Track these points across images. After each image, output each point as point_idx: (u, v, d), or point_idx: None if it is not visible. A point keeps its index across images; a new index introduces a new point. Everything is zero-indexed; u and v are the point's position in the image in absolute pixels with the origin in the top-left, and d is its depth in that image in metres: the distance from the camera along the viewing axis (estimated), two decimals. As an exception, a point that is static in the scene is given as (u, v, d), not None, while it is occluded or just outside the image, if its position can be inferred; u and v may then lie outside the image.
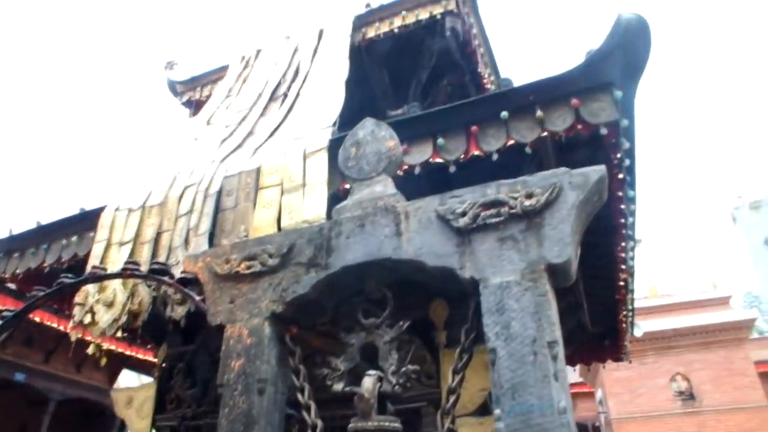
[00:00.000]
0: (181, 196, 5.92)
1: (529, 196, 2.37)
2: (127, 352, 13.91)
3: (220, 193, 5.64)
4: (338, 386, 2.47)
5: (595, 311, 8.51)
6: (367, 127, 3.15)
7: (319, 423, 2.49)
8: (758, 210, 39.52)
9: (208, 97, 8.94)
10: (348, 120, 5.40)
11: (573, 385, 19.75)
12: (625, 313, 7.73)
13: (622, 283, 6.85)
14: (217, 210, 5.50)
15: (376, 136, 3.07)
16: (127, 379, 16.41)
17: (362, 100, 7.59)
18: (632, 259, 6.88)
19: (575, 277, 2.38)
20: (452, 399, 2.31)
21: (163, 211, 5.90)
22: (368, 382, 2.37)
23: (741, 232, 43.36)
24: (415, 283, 2.72)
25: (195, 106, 9.42)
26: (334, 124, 5.72)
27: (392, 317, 2.57)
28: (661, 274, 17.64)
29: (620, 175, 5.03)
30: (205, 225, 5.41)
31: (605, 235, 6.26)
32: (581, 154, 5.25)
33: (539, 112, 4.61)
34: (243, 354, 2.67)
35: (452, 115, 4.92)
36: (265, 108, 7.25)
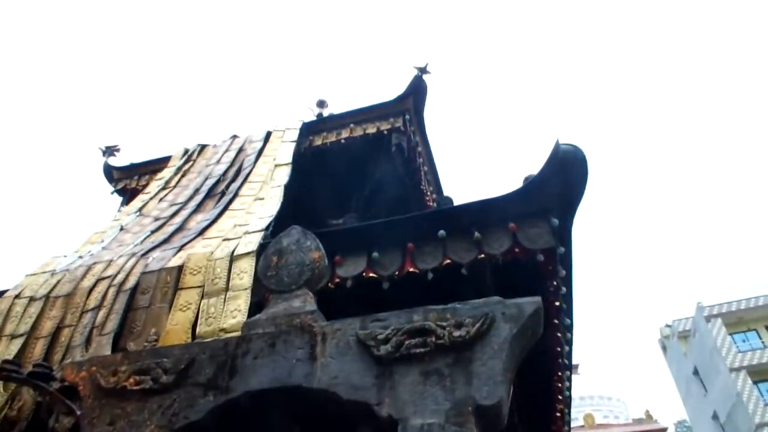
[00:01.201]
0: (91, 289, 5.42)
1: (459, 326, 2.16)
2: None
3: (135, 289, 5.19)
4: None
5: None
6: (292, 235, 2.93)
7: None
8: (686, 340, 40.64)
9: (144, 186, 8.64)
10: (286, 226, 5.21)
11: None
12: (562, 444, 7.39)
13: (558, 414, 6.58)
14: (129, 308, 5.02)
15: (300, 246, 2.85)
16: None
17: (304, 207, 7.47)
18: (569, 389, 6.69)
19: (505, 418, 2.13)
20: None
21: (69, 304, 5.35)
22: None
23: (671, 361, 44.30)
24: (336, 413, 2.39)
25: (129, 195, 9.05)
26: (267, 228, 5.48)
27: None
28: (596, 401, 17.41)
29: (557, 303, 4.95)
30: (113, 324, 4.89)
31: (541, 365, 6.07)
32: (519, 280, 5.18)
33: (477, 234, 4.56)
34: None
35: (389, 230, 4.80)
36: (201, 204, 7.00)
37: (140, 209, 7.48)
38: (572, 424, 16.71)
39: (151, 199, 7.71)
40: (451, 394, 2.03)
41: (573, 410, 17.53)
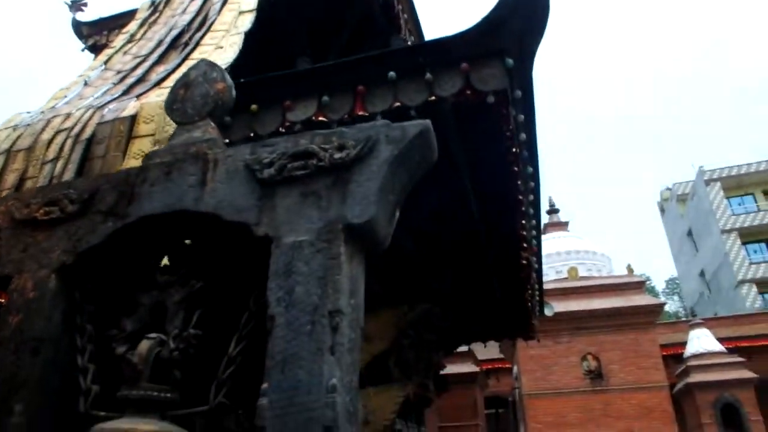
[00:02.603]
0: (50, 141, 5.43)
1: (341, 148, 2.11)
2: None
3: (91, 140, 5.19)
4: (121, 349, 2.19)
5: (506, 289, 8.52)
6: (200, 67, 2.82)
7: (95, 388, 2.20)
8: (684, 203, 41.26)
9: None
10: (249, 74, 5.03)
11: (493, 360, 20.18)
12: (530, 292, 7.73)
13: (524, 262, 6.79)
14: (85, 158, 5.05)
15: (207, 78, 2.74)
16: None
17: (276, 55, 7.18)
18: (535, 237, 6.82)
19: (386, 241, 2.16)
20: (230, 369, 2.06)
21: (30, 157, 5.39)
22: (143, 346, 2.10)
23: (667, 222, 45.30)
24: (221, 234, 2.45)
25: (100, 52, 8.76)
26: (223, 74, 5.32)
27: (197, 276, 2.29)
28: (581, 256, 18.01)
29: (514, 149, 4.88)
30: (70, 173, 4.94)
31: (505, 213, 6.16)
32: (474, 125, 5.07)
33: (428, 75, 4.38)
34: (23, 309, 2.34)
35: (339, 73, 4.63)
36: (163, 55, 6.74)
37: (105, 63, 7.25)
38: (557, 277, 17.41)
39: (115, 53, 7.43)
40: (325, 213, 2.04)
41: (558, 264, 18.20)
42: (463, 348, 12.67)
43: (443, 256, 6.66)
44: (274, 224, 2.08)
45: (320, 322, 1.84)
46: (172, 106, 2.76)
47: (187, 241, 2.45)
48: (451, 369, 11.75)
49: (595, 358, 15.11)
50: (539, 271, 8.05)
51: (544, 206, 20.58)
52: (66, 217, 2.50)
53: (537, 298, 8.41)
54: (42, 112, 6.27)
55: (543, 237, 20.75)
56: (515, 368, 16.63)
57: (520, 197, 5.51)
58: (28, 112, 6.50)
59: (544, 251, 19.22)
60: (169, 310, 2.22)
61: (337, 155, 2.09)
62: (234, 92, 2.78)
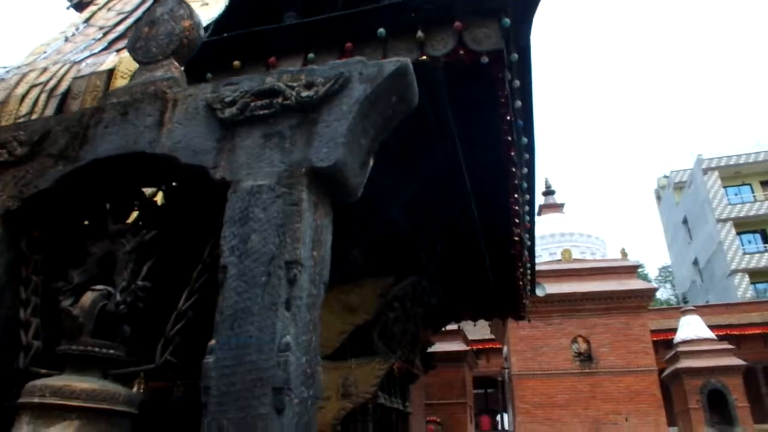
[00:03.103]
0: (24, 96, 5.20)
1: (310, 86, 1.90)
2: None
3: (66, 94, 4.96)
4: (66, 302, 2.00)
5: (498, 267, 8.37)
6: (167, 4, 2.59)
7: (36, 344, 2.02)
8: (681, 191, 41.15)
9: None
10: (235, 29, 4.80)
11: (484, 341, 20.17)
12: (522, 270, 7.56)
13: (516, 238, 6.61)
14: (60, 113, 4.84)
15: (173, 15, 2.52)
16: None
17: (267, 15, 6.89)
18: (528, 213, 6.64)
19: (358, 190, 1.96)
20: (179, 324, 1.88)
21: (3, 111, 5.18)
22: (86, 298, 1.91)
23: (663, 210, 45.21)
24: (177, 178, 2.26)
25: (83, 9, 8.46)
26: (206, 29, 5.07)
27: (151, 224, 2.09)
28: (576, 238, 17.83)
29: (508, 117, 4.67)
30: (42, 129, 4.74)
31: (497, 186, 5.97)
32: (468, 89, 4.86)
33: (420, 33, 4.15)
34: (-36, 258, 2.15)
35: (327, 29, 4.39)
36: (148, 12, 6.48)
37: (87, 20, 6.97)
38: (550, 258, 17.27)
39: (99, 9, 7.15)
40: (289, 156, 1.84)
41: (552, 246, 18.05)
42: (453, 327, 12.57)
43: (433, 228, 6.48)
44: (233, 167, 1.88)
45: (276, 274, 1.65)
46: (135, 45, 2.54)
47: (143, 188, 2.26)
48: (440, 347, 11.66)
49: (585, 340, 15.05)
50: (532, 250, 7.89)
51: (540, 187, 20.40)
52: (14, 160, 2.29)
53: (529, 277, 8.25)
54: (18, 67, 6.03)
55: (538, 218, 20.64)
56: (505, 348, 16.57)
57: (513, 169, 5.31)
58: (4, 67, 6.25)
59: (539, 232, 19.07)
60: (119, 261, 2.03)
61: (305, 93, 1.89)
62: (202, 31, 2.57)
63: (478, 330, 18.11)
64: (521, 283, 8.01)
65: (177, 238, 2.07)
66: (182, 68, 2.42)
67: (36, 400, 1.71)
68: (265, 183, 1.80)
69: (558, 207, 19.63)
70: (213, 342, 1.66)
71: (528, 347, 15.12)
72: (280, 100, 1.91)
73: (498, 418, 21.53)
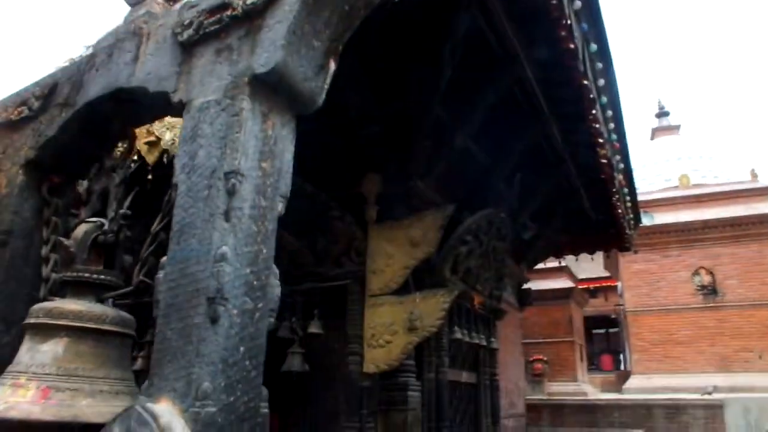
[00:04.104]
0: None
1: (256, -8, 1.81)
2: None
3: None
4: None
5: (594, 197, 7.83)
6: (153, -58, 2.58)
7: (54, 276, 2.20)
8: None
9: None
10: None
11: (601, 279, 19.11)
12: (618, 197, 6.99)
13: (604, 161, 6.08)
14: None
15: (157, -49, 2.51)
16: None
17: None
18: (615, 132, 6.06)
19: (316, 96, 1.85)
20: (152, 246, 1.93)
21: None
22: (79, 230, 2.03)
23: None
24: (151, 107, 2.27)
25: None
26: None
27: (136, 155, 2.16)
28: (695, 162, 15.93)
29: (564, 21, 4.21)
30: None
31: (573, 104, 5.49)
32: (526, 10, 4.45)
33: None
34: (-2, 206, 2.38)
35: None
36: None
37: None
38: (666, 185, 15.75)
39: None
40: (235, 67, 1.77)
41: (668, 171, 16.38)
42: (558, 264, 12.06)
43: (511, 157, 6.14)
44: (188, 88, 1.86)
45: (215, 186, 1.62)
46: (126, -12, 2.58)
47: (135, 124, 2.33)
48: (544, 284, 11.26)
49: (708, 272, 13.63)
50: (629, 174, 7.23)
51: (652, 109, 18.46)
52: (33, 114, 2.47)
53: (629, 204, 7.60)
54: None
55: (650, 143, 18.79)
56: (619, 285, 15.56)
57: (585, 81, 4.82)
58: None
59: (652, 158, 17.43)
60: (111, 194, 2.13)
61: (250, 1, 1.80)
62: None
63: (596, 267, 17.21)
64: (620, 211, 7.40)
65: (157, 167, 2.12)
66: (170, 3, 2.43)
67: (32, 320, 1.87)
68: (212, 98, 1.76)
69: (673, 129, 17.59)
70: (164, 258, 1.68)
71: (643, 282, 14.04)
72: (229, 12, 1.84)
73: (621, 357, 20.58)
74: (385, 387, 4.52)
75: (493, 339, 5.95)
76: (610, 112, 5.54)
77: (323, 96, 1.86)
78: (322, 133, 5.49)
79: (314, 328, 4.60)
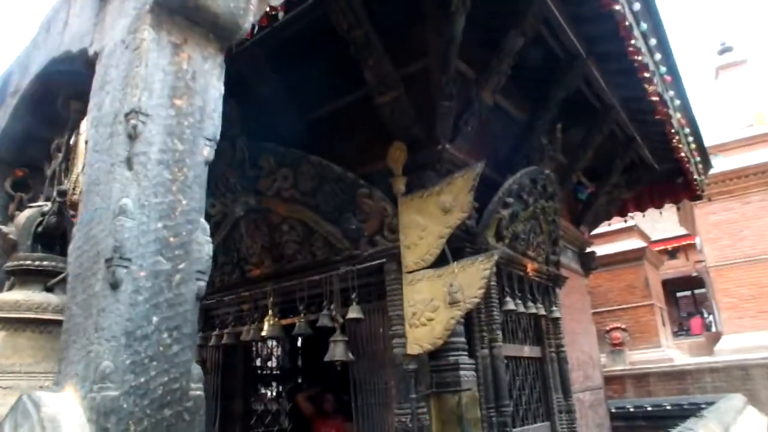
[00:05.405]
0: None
1: None
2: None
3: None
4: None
5: (653, 144, 7.16)
6: None
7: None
8: None
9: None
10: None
11: (678, 237, 17.72)
12: (678, 137, 6.33)
13: (655, 98, 5.48)
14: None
15: None
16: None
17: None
18: (660, 62, 5.42)
19: (238, 21, 1.55)
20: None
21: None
22: (21, 216, 1.85)
23: None
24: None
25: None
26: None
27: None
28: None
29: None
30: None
31: (610, 36, 4.93)
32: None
33: None
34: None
35: None
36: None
37: None
38: (739, 126, 14.35)
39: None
40: (140, 1, 1.51)
41: (739, 109, 14.95)
42: (624, 224, 11.20)
43: (549, 106, 5.64)
44: (101, 36, 1.63)
45: (116, 131, 1.37)
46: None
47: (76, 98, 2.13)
48: (613, 248, 10.50)
49: (798, 212, 12.18)
50: (688, 111, 6.51)
51: (715, 47, 16.87)
52: (-6, 109, 2.33)
53: (693, 146, 6.88)
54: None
55: (714, 81, 17.24)
56: (698, 240, 14.27)
57: (616, 7, 4.29)
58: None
59: (718, 97, 15.92)
60: (54, 174, 1.94)
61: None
62: None
63: (672, 226, 16.00)
64: (684, 155, 6.71)
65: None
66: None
67: None
68: (120, 39, 1.51)
69: (739, 64, 15.82)
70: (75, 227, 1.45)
71: (724, 233, 12.69)
72: (134, -58, 1.59)
73: (711, 318, 19.10)
74: (436, 368, 4.21)
75: (554, 308, 5.49)
76: (653, 41, 4.94)
77: (249, 18, 1.56)
78: (344, 112, 5.25)
79: (354, 313, 4.36)
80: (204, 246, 1.42)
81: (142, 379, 1.21)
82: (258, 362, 6.77)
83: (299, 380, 7.13)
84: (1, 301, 1.68)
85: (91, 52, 1.66)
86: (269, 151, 4.95)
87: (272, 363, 7.19)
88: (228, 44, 1.59)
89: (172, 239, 1.36)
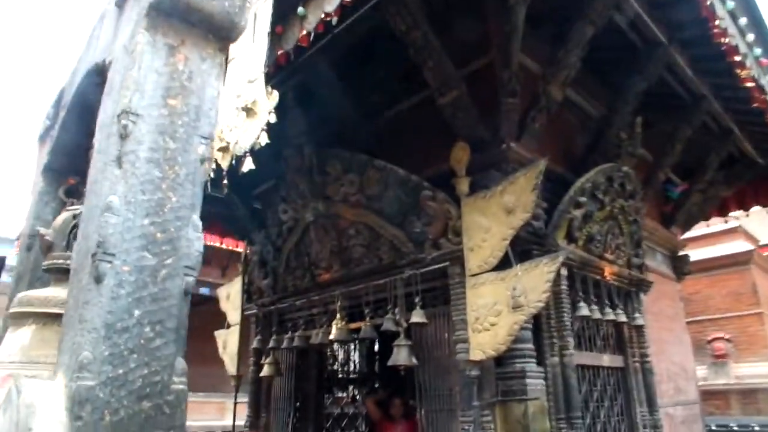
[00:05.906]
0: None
1: None
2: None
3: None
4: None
5: (756, 136, 6.52)
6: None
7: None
8: None
9: None
10: None
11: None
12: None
13: (750, 84, 4.96)
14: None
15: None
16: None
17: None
18: (754, 44, 4.88)
19: (230, 17, 1.55)
20: None
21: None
22: (58, 219, 1.97)
23: None
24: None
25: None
26: None
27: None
28: None
29: None
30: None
31: (691, 25, 4.52)
32: None
33: None
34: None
35: None
36: None
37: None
38: None
39: None
40: (138, 4, 1.56)
41: None
42: (726, 225, 10.22)
43: (629, 97, 5.27)
44: (114, 47, 1.70)
45: (111, 132, 1.41)
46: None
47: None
48: (714, 251, 9.59)
49: None
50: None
51: None
52: (50, 124, 2.53)
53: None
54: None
55: None
56: None
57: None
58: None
59: None
60: (91, 180, 2.05)
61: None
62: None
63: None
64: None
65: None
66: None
67: (10, 310, 1.84)
68: (123, 44, 1.57)
69: None
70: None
71: None
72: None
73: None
74: (502, 375, 4.05)
75: (637, 314, 5.11)
76: (743, 20, 4.48)
77: (244, 16, 1.56)
78: (408, 115, 5.22)
79: (417, 318, 4.29)
80: (194, 242, 1.43)
81: (121, 371, 1.23)
82: (334, 366, 6.86)
83: (375, 384, 7.14)
84: (33, 297, 1.81)
85: (106, 61, 1.75)
86: (336, 157, 5.00)
87: (349, 367, 7.26)
88: (228, 43, 1.61)
89: (159, 235, 1.38)
